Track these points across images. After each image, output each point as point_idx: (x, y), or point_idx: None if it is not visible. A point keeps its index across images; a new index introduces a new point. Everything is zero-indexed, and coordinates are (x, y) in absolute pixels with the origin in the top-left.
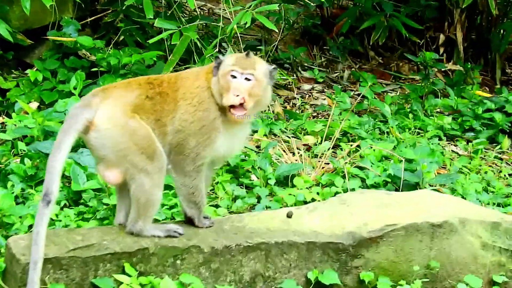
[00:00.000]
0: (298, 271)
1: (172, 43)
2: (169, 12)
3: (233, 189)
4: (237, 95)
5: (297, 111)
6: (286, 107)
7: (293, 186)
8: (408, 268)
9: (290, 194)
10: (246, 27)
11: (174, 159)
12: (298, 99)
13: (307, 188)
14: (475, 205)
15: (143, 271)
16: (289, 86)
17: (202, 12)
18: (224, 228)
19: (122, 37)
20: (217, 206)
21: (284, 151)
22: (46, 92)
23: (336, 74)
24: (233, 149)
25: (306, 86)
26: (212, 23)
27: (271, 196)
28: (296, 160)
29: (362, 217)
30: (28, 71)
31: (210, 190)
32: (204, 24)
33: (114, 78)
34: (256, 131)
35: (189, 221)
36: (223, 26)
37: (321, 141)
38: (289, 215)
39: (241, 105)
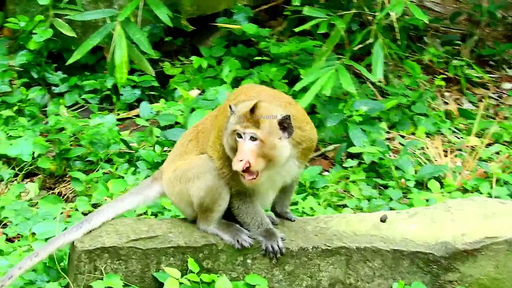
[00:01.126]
0: (383, 280)
1: (318, 32)
2: None
3: (363, 188)
4: (241, 160)
5: (485, 111)
6: (477, 106)
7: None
8: None
9: (423, 198)
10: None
11: None
12: (491, 98)
13: (448, 192)
14: None
15: (211, 268)
16: (487, 84)
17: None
18: (306, 229)
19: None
20: (344, 206)
21: (446, 151)
22: (209, 79)
23: None
24: (274, 185)
25: (507, 85)
26: (368, 12)
27: (407, 199)
28: (455, 162)
29: (463, 227)
30: (192, 58)
31: (344, 190)
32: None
33: (271, 68)
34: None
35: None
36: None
37: (491, 143)
38: (382, 219)
39: (249, 168)
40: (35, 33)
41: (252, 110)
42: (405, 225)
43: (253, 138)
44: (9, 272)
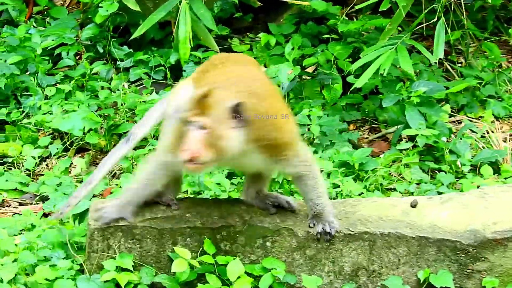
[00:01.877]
0: (408, 268)
1: (380, 9)
2: None
3: (414, 172)
4: (187, 149)
5: None
6: None
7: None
8: None
9: (474, 184)
10: None
11: None
12: None
13: (504, 178)
14: None
15: (229, 250)
16: None
17: None
18: None
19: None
20: (394, 189)
21: None
22: (275, 57)
23: None
24: (244, 170)
25: None
26: None
27: (460, 184)
28: None
29: (495, 215)
30: (260, 35)
31: (398, 174)
32: None
33: (336, 46)
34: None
35: None
36: None
37: None
38: (413, 205)
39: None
40: (101, 7)
41: (203, 97)
42: (436, 211)
43: (200, 127)
44: (67, 201)
